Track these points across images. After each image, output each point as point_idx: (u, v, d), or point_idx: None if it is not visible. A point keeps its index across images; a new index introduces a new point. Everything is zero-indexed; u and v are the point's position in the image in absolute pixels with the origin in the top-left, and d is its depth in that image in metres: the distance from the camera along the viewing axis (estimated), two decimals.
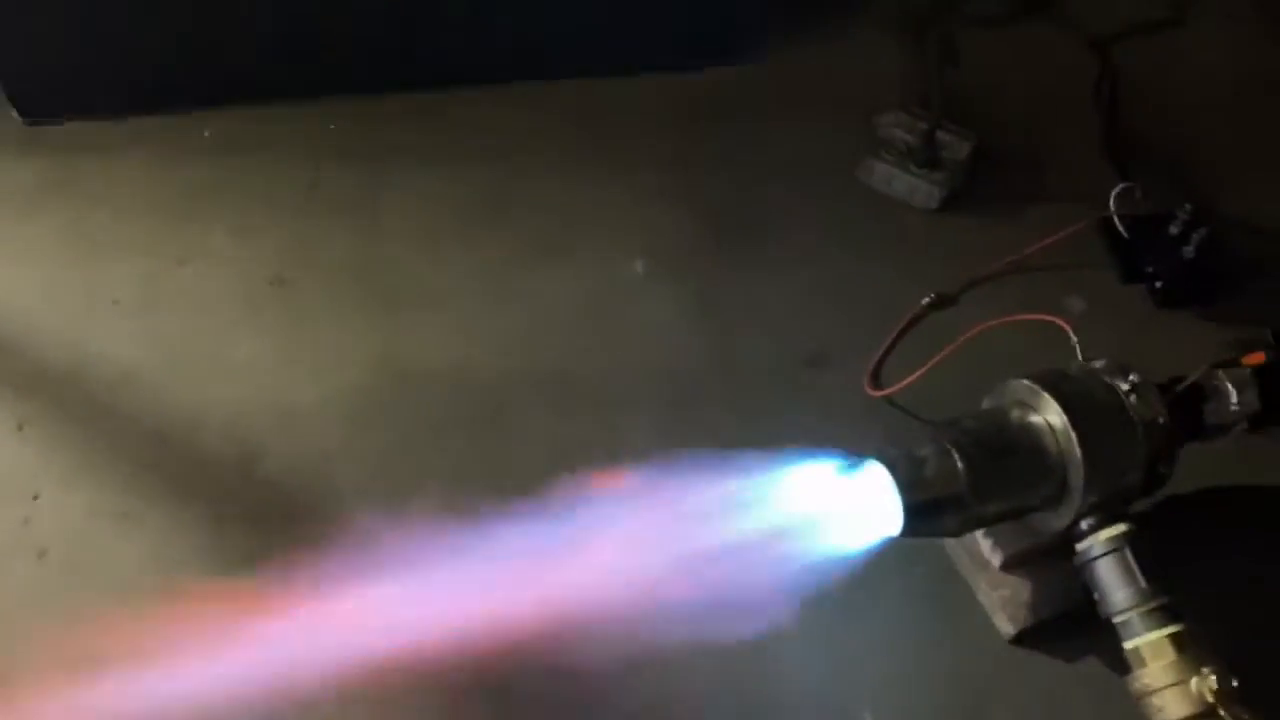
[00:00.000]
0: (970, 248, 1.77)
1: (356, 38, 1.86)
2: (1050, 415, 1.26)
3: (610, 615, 1.20)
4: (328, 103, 1.89)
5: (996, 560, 1.38)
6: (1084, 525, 1.26)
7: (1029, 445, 1.25)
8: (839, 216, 1.81)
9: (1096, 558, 1.25)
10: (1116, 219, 1.74)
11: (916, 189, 1.80)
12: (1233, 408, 1.37)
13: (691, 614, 1.22)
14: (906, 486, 1.20)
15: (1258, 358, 1.43)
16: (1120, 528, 1.25)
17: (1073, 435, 1.24)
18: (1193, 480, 1.40)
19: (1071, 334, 1.39)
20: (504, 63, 1.90)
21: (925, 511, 1.21)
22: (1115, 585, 1.24)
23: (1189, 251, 1.70)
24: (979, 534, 1.39)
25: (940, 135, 1.82)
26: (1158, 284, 1.71)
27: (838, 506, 1.24)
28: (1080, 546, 1.27)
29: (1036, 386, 1.27)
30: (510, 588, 1.23)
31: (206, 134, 1.86)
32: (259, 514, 1.43)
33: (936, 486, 1.21)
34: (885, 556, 1.25)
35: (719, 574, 1.21)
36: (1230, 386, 1.37)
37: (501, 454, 1.49)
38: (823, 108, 1.95)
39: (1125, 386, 1.28)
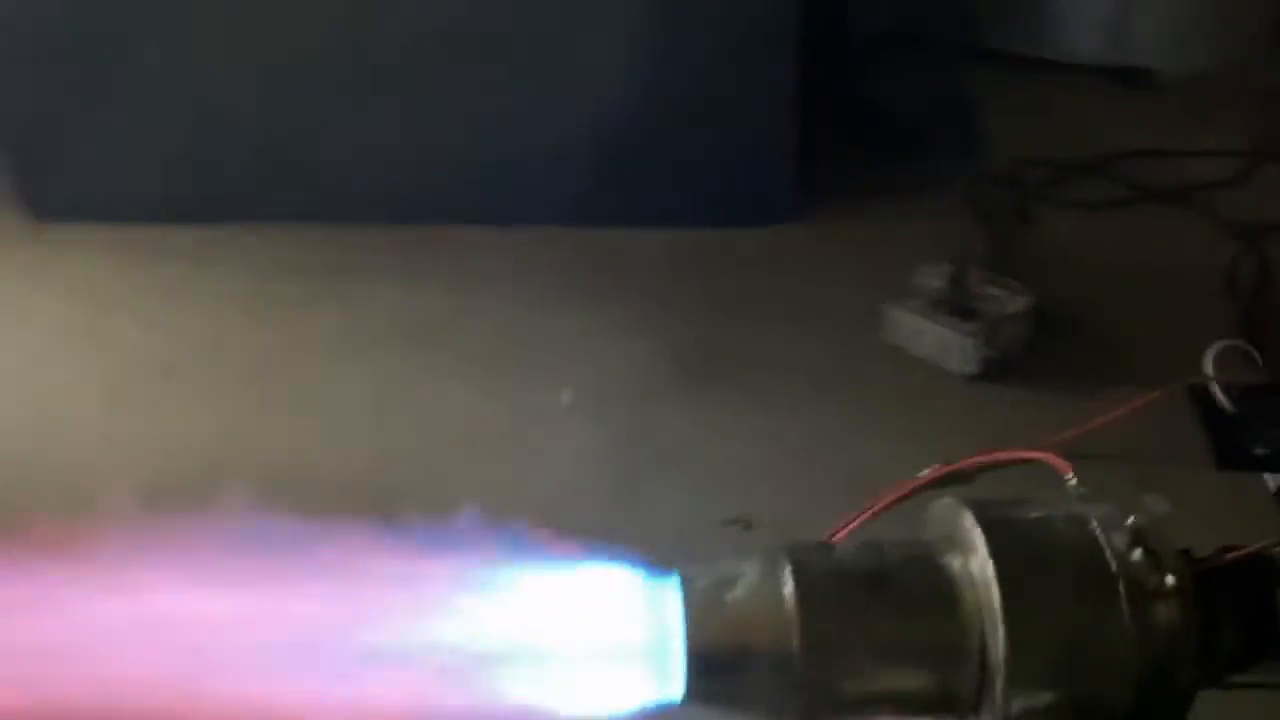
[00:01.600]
0: (1012, 426, 1.30)
1: (344, 170, 1.71)
2: (974, 559, 0.78)
3: None
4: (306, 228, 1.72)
5: None
6: None
7: (930, 592, 0.77)
8: (845, 370, 1.40)
9: None
10: (1216, 386, 1.24)
11: (949, 345, 1.37)
12: None
13: None
14: (693, 620, 0.75)
15: None
16: None
17: (994, 590, 0.75)
18: None
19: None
20: (500, 204, 1.69)
21: (717, 667, 0.74)
22: None
23: None
24: None
25: (987, 289, 1.41)
26: None
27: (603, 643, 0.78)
28: None
29: (964, 511, 0.80)
30: None
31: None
32: None
33: (743, 623, 0.75)
34: None
35: None
36: None
37: None
38: (859, 269, 1.59)
39: (1122, 538, 0.79)
